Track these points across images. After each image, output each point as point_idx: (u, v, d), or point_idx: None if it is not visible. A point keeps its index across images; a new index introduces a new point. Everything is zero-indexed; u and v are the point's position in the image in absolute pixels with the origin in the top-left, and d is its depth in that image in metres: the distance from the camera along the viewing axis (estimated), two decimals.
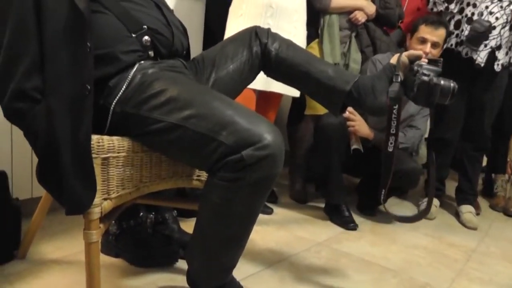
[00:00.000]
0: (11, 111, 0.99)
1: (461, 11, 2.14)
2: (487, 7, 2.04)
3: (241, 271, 1.37)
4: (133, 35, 1.08)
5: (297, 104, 2.36)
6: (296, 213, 2.16)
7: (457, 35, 2.15)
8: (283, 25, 1.87)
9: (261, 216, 2.02)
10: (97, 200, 0.98)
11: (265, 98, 2.04)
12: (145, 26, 1.10)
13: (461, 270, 1.69)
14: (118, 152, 1.00)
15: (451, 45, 2.17)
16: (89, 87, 0.96)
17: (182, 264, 1.40)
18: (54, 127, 0.95)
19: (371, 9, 2.26)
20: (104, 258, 1.43)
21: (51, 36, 0.98)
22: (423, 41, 1.97)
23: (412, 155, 2.16)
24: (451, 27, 2.17)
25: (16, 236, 1.40)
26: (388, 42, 2.31)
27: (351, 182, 2.68)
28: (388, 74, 1.25)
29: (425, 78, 1.15)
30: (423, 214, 1.26)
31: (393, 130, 1.23)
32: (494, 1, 2.03)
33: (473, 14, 2.08)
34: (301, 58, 1.27)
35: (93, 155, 0.96)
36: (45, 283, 1.26)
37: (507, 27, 2.07)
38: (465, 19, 2.10)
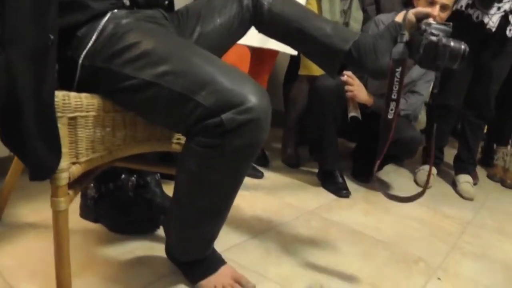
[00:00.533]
0: None
1: None
2: None
3: (225, 240, 1.29)
4: None
5: (294, 62, 2.24)
6: (287, 178, 2.08)
7: None
8: None
9: (250, 181, 1.95)
10: (64, 164, 0.88)
11: (260, 55, 1.91)
12: None
13: (455, 244, 1.63)
14: (87, 111, 0.89)
15: (461, 6, 2.02)
16: (52, 37, 0.84)
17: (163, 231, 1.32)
18: (14, 82, 0.83)
19: None
20: (83, 223, 1.35)
21: None
22: (432, 2, 1.81)
23: (411, 121, 2.05)
24: None
25: None
26: (393, 1, 2.16)
27: (347, 147, 2.60)
28: (393, 33, 1.13)
29: (434, 38, 1.03)
30: (416, 197, 1.17)
31: (394, 95, 1.13)
32: None
33: None
34: (297, 14, 1.15)
35: (58, 114, 0.85)
36: (20, 247, 1.18)
37: None
38: None
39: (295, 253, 1.37)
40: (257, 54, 1.89)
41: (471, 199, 2.17)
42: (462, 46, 1.04)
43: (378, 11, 2.18)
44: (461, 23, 1.92)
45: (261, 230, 1.49)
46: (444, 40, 1.03)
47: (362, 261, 1.39)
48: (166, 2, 1.12)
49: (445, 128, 2.28)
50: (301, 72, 2.15)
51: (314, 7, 2.08)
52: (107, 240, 1.28)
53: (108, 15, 0.95)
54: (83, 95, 0.90)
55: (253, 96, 0.83)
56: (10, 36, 0.85)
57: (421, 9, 1.14)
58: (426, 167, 2.31)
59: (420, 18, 1.12)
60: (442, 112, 2.20)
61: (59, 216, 0.91)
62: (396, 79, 1.11)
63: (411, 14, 1.12)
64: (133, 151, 1.02)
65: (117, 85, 0.89)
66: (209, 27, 1.14)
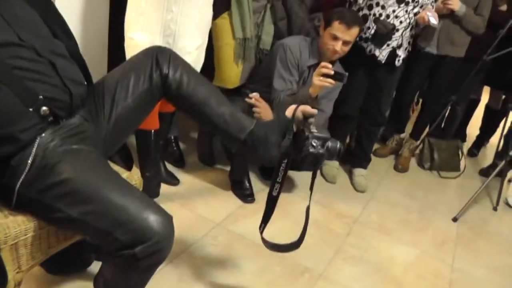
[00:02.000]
0: None
1: (369, 7, 2.22)
2: (394, 11, 2.18)
3: None
4: (30, 109, 1.09)
5: (207, 72, 2.39)
6: (200, 181, 2.34)
7: (362, 30, 2.24)
8: (187, 12, 1.82)
9: (167, 188, 2.19)
10: (9, 277, 1.08)
11: None
12: (41, 96, 1.10)
13: (339, 248, 2.02)
14: (25, 234, 1.08)
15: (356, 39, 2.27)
16: None
17: (96, 267, 1.49)
18: None
19: None
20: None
21: None
22: (335, 38, 2.05)
23: None
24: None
25: None
26: (303, 18, 2.33)
27: None
28: (282, 128, 1.35)
29: (312, 150, 1.27)
30: (295, 246, 1.50)
31: (279, 180, 1.39)
32: (401, 6, 2.18)
33: (380, 15, 2.20)
34: (201, 97, 1.32)
35: (1, 246, 1.03)
36: None
37: (409, 29, 2.25)
38: (373, 17, 2.21)
39: (204, 276, 1.68)
40: None
41: (363, 191, 2.58)
42: (338, 145, 1.30)
43: (289, 25, 2.33)
44: (355, 53, 2.20)
45: (175, 253, 1.77)
46: (321, 151, 1.28)
47: (259, 278, 1.74)
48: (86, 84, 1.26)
49: (344, 133, 2.66)
50: (215, 83, 2.32)
51: (227, 21, 2.20)
52: (45, 282, 1.50)
53: (37, 141, 1.10)
54: (20, 219, 1.08)
55: (159, 228, 1.04)
56: None
57: (308, 109, 1.35)
58: (332, 162, 2.67)
59: (307, 116, 1.35)
60: (342, 121, 2.54)
61: None
62: (282, 167, 1.38)
63: (299, 111, 1.34)
64: (65, 245, 1.23)
65: (50, 215, 1.08)
66: (123, 110, 1.29)
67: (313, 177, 1.40)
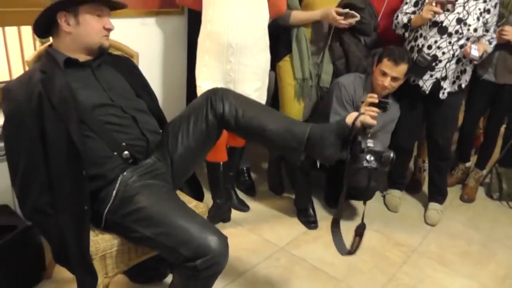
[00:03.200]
0: (32, 220, 1.38)
1: (415, 39, 2.34)
2: (436, 41, 2.24)
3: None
4: (115, 153, 1.41)
5: (274, 107, 2.64)
6: (268, 209, 2.57)
7: None
8: (244, 61, 2.09)
9: (238, 214, 2.45)
10: (99, 280, 1.39)
11: None
12: (124, 144, 1.43)
13: (393, 276, 2.12)
14: (111, 249, 1.39)
15: None
16: (86, 207, 1.33)
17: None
18: (62, 234, 1.34)
19: (332, 14, 2.23)
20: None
21: (55, 166, 1.34)
22: (384, 74, 2.19)
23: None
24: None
25: (41, 259, 1.80)
26: (360, 57, 2.49)
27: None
28: (340, 132, 1.47)
29: (366, 165, 1.42)
30: (354, 251, 1.58)
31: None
32: (443, 37, 2.22)
33: (423, 46, 2.28)
34: (257, 122, 1.51)
35: (93, 256, 1.35)
36: None
37: (453, 61, 2.27)
38: (416, 49, 2.31)
39: None
40: None
41: (433, 225, 2.59)
42: (391, 156, 1.43)
43: (347, 64, 2.50)
44: (405, 85, 2.32)
45: (240, 272, 2.01)
46: (374, 165, 1.42)
47: None
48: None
49: (402, 165, 2.71)
50: None
51: (288, 63, 2.45)
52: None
53: (120, 178, 1.42)
54: (107, 237, 1.39)
55: (215, 247, 1.29)
56: (57, 204, 1.34)
57: (368, 119, 1.45)
58: (393, 191, 2.76)
59: (365, 126, 1.46)
60: (397, 153, 2.60)
61: None
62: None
63: (359, 122, 1.45)
64: (143, 258, 1.52)
65: (130, 234, 1.38)
66: (185, 150, 1.56)
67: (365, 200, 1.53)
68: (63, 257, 1.38)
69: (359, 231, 1.61)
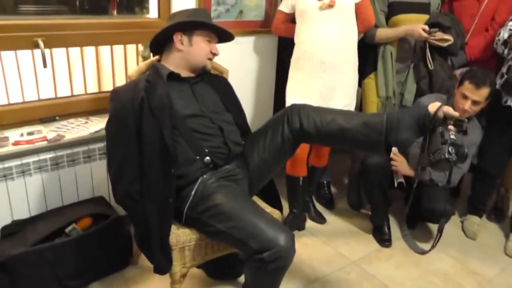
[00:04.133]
0: (121, 204, 1.60)
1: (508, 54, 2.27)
2: None
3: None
4: (197, 158, 1.60)
5: None
6: (345, 223, 2.63)
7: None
8: (335, 78, 2.21)
9: (314, 226, 2.55)
10: (177, 269, 1.58)
11: None
12: (206, 150, 1.62)
13: None
14: (189, 242, 1.58)
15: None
16: (171, 200, 1.53)
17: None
18: (148, 222, 1.55)
19: (416, 30, 2.30)
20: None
21: (148, 161, 1.55)
22: (465, 97, 2.15)
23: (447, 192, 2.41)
24: (505, 69, 2.30)
25: (129, 246, 2.03)
26: (444, 77, 2.47)
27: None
28: (419, 117, 1.48)
29: (448, 156, 1.36)
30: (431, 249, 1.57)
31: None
32: None
33: None
34: (335, 126, 1.57)
35: (173, 247, 1.54)
36: (151, 286, 1.94)
37: None
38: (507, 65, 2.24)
39: None
40: None
41: (473, 239, 2.52)
42: (465, 151, 1.38)
43: (431, 83, 2.48)
44: (494, 107, 2.27)
45: (311, 280, 2.10)
46: (455, 159, 1.36)
47: None
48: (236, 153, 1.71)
49: (487, 189, 2.61)
50: None
51: (373, 81, 2.52)
52: (204, 283, 2.00)
53: (199, 180, 1.60)
54: (187, 231, 1.58)
55: (282, 242, 1.39)
56: (146, 193, 1.55)
57: (451, 112, 1.43)
58: (472, 217, 2.67)
59: (448, 117, 1.44)
60: (482, 177, 2.54)
61: None
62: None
63: (441, 112, 1.44)
64: (218, 255, 1.69)
65: (206, 228, 1.56)
66: (261, 161, 1.70)
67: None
68: (145, 242, 1.57)
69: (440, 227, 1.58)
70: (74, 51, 3.15)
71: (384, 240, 2.45)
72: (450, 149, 1.36)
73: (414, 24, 2.35)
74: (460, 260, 2.39)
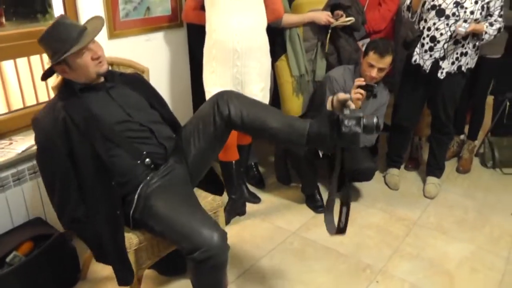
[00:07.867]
0: (71, 229, 1.59)
1: (418, 22, 2.55)
2: (434, 23, 2.44)
3: (232, 271, 2.00)
4: (138, 162, 1.61)
5: (275, 106, 2.82)
6: (278, 198, 2.76)
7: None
8: (249, 64, 2.28)
9: (251, 207, 2.64)
10: (134, 272, 1.59)
11: None
12: (145, 152, 1.63)
13: (397, 248, 2.30)
14: (141, 243, 1.60)
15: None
16: (118, 212, 1.53)
17: None
18: (100, 239, 1.55)
19: (323, 18, 2.49)
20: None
21: (86, 179, 1.54)
22: (371, 66, 2.37)
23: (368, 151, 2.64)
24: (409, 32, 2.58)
25: (76, 262, 1.99)
26: (350, 51, 2.65)
27: None
28: (330, 119, 1.54)
29: (345, 130, 1.45)
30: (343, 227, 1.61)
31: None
32: (441, 19, 2.41)
33: (423, 28, 2.49)
34: (260, 121, 1.63)
35: (128, 250, 1.55)
36: None
37: (451, 42, 2.45)
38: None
39: (283, 274, 2.08)
40: None
41: (431, 198, 2.77)
42: (374, 121, 1.45)
43: (339, 58, 2.66)
44: (406, 68, 2.59)
45: (258, 257, 2.20)
46: (355, 129, 1.43)
47: (326, 275, 2.09)
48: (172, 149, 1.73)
49: (402, 143, 2.92)
50: None
51: (285, 63, 2.64)
52: (159, 282, 2.02)
53: (142, 184, 1.61)
54: (138, 233, 1.60)
55: (213, 241, 1.43)
56: (92, 212, 1.55)
57: (341, 95, 1.57)
58: (392, 169, 2.95)
59: (343, 102, 1.56)
60: (397, 131, 2.83)
61: None
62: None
63: (336, 101, 1.60)
64: (170, 250, 1.72)
65: (148, 228, 1.59)
66: (197, 151, 1.75)
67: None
68: (102, 256, 1.58)
69: (345, 200, 1.62)
70: None
71: (317, 206, 2.62)
72: (346, 122, 1.45)
73: (319, 12, 2.50)
74: (388, 211, 2.64)
